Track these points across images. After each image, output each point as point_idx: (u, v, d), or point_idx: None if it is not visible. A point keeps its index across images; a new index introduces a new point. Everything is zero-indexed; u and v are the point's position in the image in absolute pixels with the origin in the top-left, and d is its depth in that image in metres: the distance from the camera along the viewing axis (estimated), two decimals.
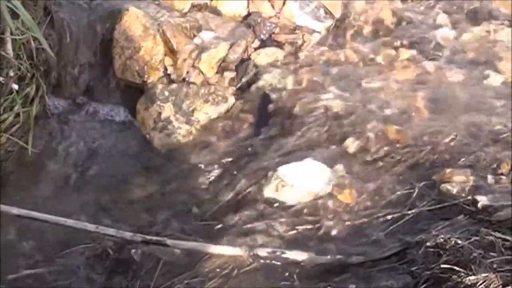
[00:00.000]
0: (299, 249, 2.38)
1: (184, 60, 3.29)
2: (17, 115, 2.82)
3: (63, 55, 3.24)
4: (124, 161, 3.10)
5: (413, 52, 3.36)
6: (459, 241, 2.13)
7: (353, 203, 2.59)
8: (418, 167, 2.70)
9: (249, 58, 3.36)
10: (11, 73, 2.77)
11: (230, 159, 2.96)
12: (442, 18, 3.55)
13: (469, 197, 2.44)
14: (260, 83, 3.23)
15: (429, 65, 3.26)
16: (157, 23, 3.32)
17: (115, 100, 3.34)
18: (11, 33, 2.74)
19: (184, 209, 2.75)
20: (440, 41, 3.41)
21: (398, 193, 2.59)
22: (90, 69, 3.33)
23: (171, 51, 3.31)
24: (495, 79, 3.16)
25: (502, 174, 2.59)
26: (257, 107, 3.17)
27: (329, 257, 2.34)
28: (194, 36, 3.38)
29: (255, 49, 3.41)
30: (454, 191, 2.50)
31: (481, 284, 1.96)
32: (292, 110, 3.08)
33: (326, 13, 3.57)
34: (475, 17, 3.55)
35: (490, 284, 1.95)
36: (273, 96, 3.18)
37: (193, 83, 3.26)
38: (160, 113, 3.16)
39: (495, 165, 2.64)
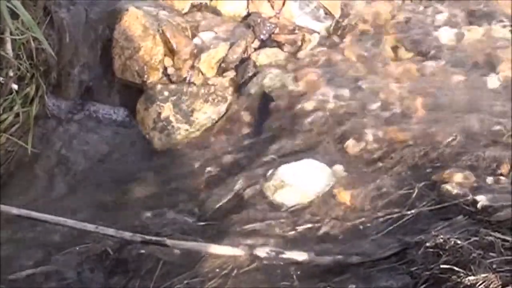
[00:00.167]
0: (298, 249, 2.38)
1: (184, 60, 3.29)
2: (17, 115, 2.82)
3: (63, 55, 3.24)
4: (124, 161, 3.10)
5: (413, 52, 3.36)
6: (459, 242, 2.13)
7: (353, 203, 2.59)
8: (417, 167, 2.70)
9: (248, 58, 3.36)
10: (11, 73, 2.77)
11: (229, 159, 2.97)
12: (442, 19, 3.54)
13: (469, 198, 2.44)
14: (260, 83, 3.23)
15: (429, 66, 3.26)
16: (157, 23, 3.32)
17: (115, 100, 3.34)
18: (11, 33, 2.75)
19: (184, 209, 2.75)
20: (440, 42, 3.41)
21: (398, 193, 2.59)
22: (89, 69, 3.34)
23: (171, 51, 3.31)
24: (495, 80, 3.16)
25: (501, 174, 2.59)
26: (257, 107, 3.17)
27: (328, 257, 2.34)
28: (194, 36, 3.38)
29: (255, 49, 3.41)
30: (454, 191, 2.50)
31: (480, 285, 1.96)
32: (291, 110, 3.08)
33: (325, 13, 3.57)
34: (475, 18, 3.54)
35: (489, 285, 1.95)
36: (273, 96, 3.18)
37: (192, 83, 3.26)
38: (159, 113, 3.17)
39: (494, 166, 2.63)
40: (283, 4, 3.53)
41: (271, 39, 3.46)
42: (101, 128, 3.21)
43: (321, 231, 2.49)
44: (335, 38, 3.47)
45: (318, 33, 3.50)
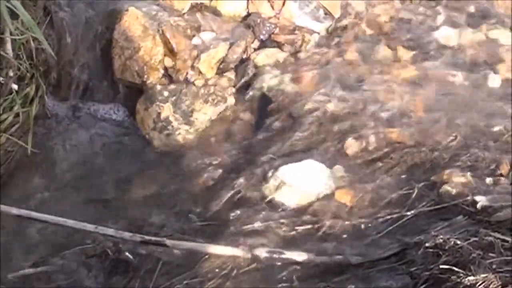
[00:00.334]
0: (298, 250, 2.38)
1: (184, 60, 3.29)
2: (17, 115, 2.81)
3: (62, 55, 3.24)
4: (124, 161, 3.10)
5: (413, 52, 3.36)
6: (458, 242, 2.13)
7: (352, 204, 2.59)
8: (417, 167, 2.70)
9: (248, 59, 3.36)
10: (11, 73, 2.77)
11: (229, 160, 2.97)
12: (442, 19, 3.54)
13: (469, 198, 2.44)
14: (260, 83, 3.23)
15: (429, 66, 3.26)
16: (157, 24, 3.32)
17: (114, 100, 3.34)
18: (11, 33, 2.74)
19: (184, 209, 2.75)
20: (440, 42, 3.41)
21: (398, 193, 2.59)
22: (89, 69, 3.33)
23: (171, 52, 3.31)
24: (494, 80, 3.16)
25: (501, 175, 2.59)
26: (257, 107, 3.17)
27: (328, 257, 2.34)
28: (194, 36, 3.37)
29: (255, 49, 3.41)
30: (454, 191, 2.50)
31: (480, 285, 1.96)
32: (291, 111, 3.08)
33: (325, 13, 3.57)
34: (475, 18, 3.54)
35: (489, 285, 1.95)
36: (273, 96, 3.18)
37: (192, 83, 3.26)
38: (159, 114, 3.17)
39: (494, 166, 2.64)
40: (283, 4, 3.53)
41: (271, 39, 3.46)
42: (101, 128, 3.21)
43: (321, 231, 2.49)
44: (335, 39, 3.47)
45: (318, 33, 3.50)
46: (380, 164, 2.75)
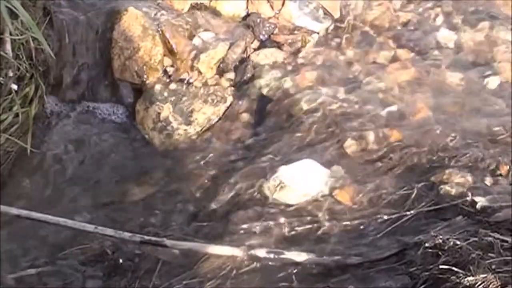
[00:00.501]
0: (297, 250, 2.38)
1: (183, 60, 3.29)
2: (16, 115, 2.81)
3: (62, 56, 3.23)
4: (124, 161, 3.10)
5: (413, 53, 3.36)
6: (458, 242, 2.13)
7: (352, 204, 2.59)
8: (417, 168, 2.70)
9: (248, 59, 3.36)
10: (10, 73, 2.77)
11: (229, 160, 2.97)
12: (442, 19, 3.55)
13: (468, 198, 2.44)
14: (259, 83, 3.23)
15: (429, 66, 3.26)
16: (156, 24, 3.32)
17: (114, 100, 3.34)
18: (10, 33, 2.74)
19: (183, 209, 2.75)
20: (439, 42, 3.41)
21: (397, 193, 2.59)
22: (89, 69, 3.33)
23: (170, 52, 3.31)
24: (494, 80, 3.16)
25: (501, 175, 2.59)
26: (256, 107, 3.17)
27: (327, 257, 2.34)
28: (193, 36, 3.37)
29: (254, 49, 3.41)
30: (453, 192, 2.50)
31: (479, 285, 1.96)
32: (291, 111, 3.08)
33: (325, 13, 3.57)
34: (474, 18, 3.54)
35: (488, 285, 1.95)
36: (272, 96, 3.18)
37: (192, 83, 3.26)
38: (159, 114, 3.17)
39: (494, 166, 2.64)
40: (283, 4, 3.53)
41: (270, 39, 3.46)
42: (101, 128, 3.21)
43: (320, 232, 2.49)
44: (335, 39, 3.47)
45: (318, 33, 3.50)
46: (379, 164, 2.75)
